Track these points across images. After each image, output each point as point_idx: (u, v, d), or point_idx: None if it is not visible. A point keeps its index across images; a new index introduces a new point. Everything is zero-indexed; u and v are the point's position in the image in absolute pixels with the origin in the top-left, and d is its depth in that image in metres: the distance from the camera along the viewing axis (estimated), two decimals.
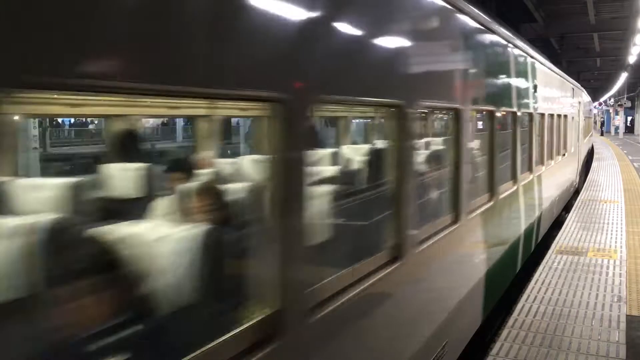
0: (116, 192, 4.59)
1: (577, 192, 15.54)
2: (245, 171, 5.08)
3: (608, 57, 38.92)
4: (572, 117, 15.08)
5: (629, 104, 59.43)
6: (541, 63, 10.01)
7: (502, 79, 7.03)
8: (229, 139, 20.25)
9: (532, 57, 8.90)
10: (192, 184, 3.61)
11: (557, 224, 11.52)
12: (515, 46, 7.56)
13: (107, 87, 1.81)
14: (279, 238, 2.33)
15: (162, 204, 3.60)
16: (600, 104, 68.01)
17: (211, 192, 3.38)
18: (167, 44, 1.81)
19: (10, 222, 2.46)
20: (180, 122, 30.99)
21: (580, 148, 18.22)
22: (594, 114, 47.19)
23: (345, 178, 5.54)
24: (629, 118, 68.82)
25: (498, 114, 6.42)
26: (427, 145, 6.14)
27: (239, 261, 2.65)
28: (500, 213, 6.51)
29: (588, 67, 47.17)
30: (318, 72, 2.66)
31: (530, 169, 8.65)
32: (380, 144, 5.89)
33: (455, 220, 4.81)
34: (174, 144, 29.86)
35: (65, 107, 4.97)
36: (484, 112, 6.22)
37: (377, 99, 3.46)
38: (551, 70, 11.61)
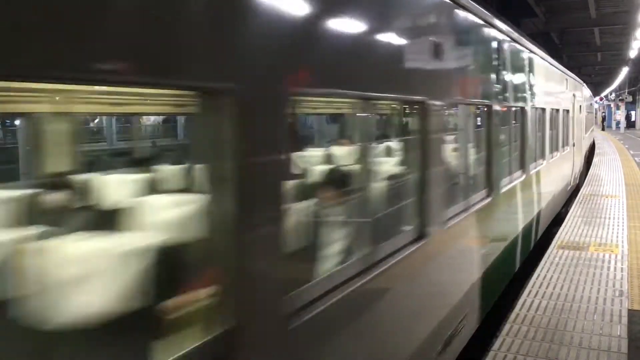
0: None
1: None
2: None
3: (609, 51, 38.92)
4: (594, 112, 34.73)
5: (630, 99, 59.36)
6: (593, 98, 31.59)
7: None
8: None
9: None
10: None
11: (559, 220, 11.53)
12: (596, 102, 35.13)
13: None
14: None
15: None
16: (601, 99, 67.96)
17: None
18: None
19: None
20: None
21: (595, 127, 35.78)
22: (595, 109, 50.79)
23: None
24: (632, 112, 68.64)
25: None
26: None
27: None
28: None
29: (589, 62, 47.12)
30: None
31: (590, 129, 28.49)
32: None
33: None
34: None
35: None
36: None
37: None
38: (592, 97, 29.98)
